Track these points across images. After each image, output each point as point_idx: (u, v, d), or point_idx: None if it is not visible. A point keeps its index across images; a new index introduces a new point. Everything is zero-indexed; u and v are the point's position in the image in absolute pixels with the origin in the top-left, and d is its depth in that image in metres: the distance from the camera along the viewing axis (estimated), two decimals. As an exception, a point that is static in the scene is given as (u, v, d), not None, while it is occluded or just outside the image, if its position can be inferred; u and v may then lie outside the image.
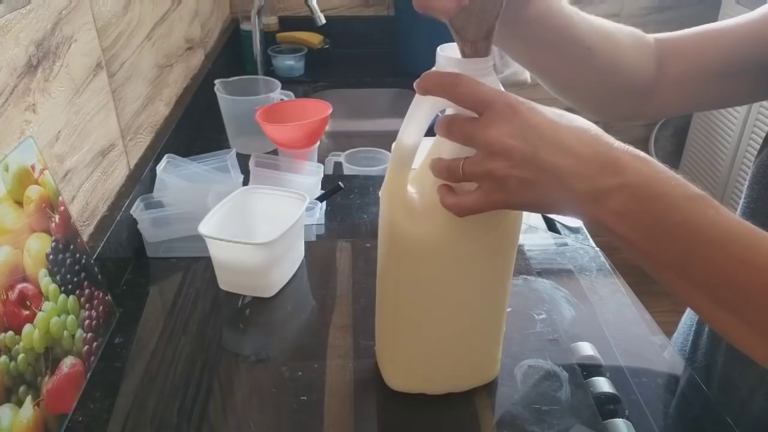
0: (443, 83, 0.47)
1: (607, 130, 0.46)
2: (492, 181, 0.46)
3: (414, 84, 0.49)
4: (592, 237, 0.96)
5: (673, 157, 2.66)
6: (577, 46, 0.58)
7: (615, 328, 0.76)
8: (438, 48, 0.51)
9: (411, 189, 0.56)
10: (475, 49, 0.48)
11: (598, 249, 0.93)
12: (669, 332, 0.77)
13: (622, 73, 0.62)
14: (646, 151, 2.78)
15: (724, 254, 0.41)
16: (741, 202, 0.66)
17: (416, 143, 0.53)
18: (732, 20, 0.61)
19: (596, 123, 0.46)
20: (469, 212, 0.49)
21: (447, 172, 0.50)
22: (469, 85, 0.46)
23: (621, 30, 0.62)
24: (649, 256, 0.44)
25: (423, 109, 0.52)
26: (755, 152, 2.04)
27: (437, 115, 0.54)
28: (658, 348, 0.75)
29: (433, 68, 0.51)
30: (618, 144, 0.44)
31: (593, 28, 0.59)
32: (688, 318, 0.81)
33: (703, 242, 0.41)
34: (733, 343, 0.44)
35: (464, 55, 0.49)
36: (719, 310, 0.42)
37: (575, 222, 0.99)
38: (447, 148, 0.52)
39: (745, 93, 0.64)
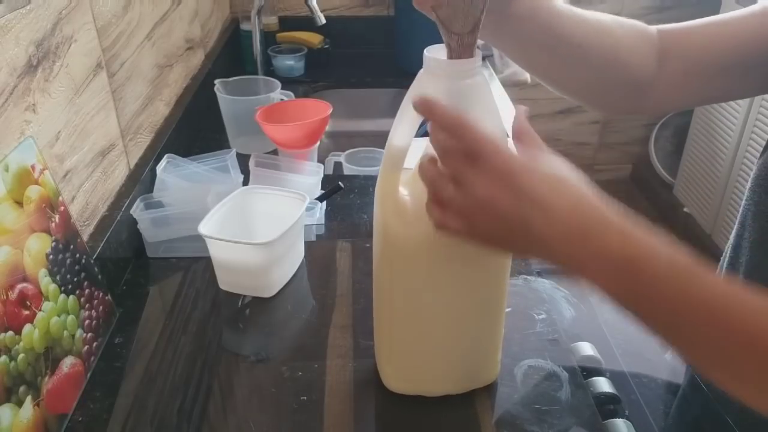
0: (447, 125, 0.47)
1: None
2: (475, 226, 0.47)
3: (414, 103, 0.49)
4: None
5: (673, 157, 2.65)
6: (568, 43, 0.58)
7: (615, 328, 0.76)
8: (425, 50, 0.51)
9: (403, 190, 0.56)
10: (461, 42, 0.48)
11: (598, 249, 0.93)
12: (669, 332, 0.77)
13: (618, 68, 0.62)
14: (646, 150, 2.76)
15: (709, 324, 0.42)
16: (743, 203, 0.66)
17: (407, 144, 0.53)
18: (735, 13, 0.61)
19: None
20: (448, 234, 0.49)
21: (431, 186, 0.49)
22: (470, 131, 0.46)
23: (621, 25, 0.62)
24: (636, 319, 0.45)
25: (413, 110, 0.52)
26: (755, 152, 2.04)
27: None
28: (658, 348, 0.75)
29: (421, 70, 0.51)
30: (607, 213, 0.45)
31: (587, 24, 0.59)
32: None
33: (687, 313, 0.42)
34: (732, 395, 0.45)
35: (450, 50, 0.49)
36: (711, 369, 0.44)
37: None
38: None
39: (749, 88, 0.63)
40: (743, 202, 0.66)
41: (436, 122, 0.48)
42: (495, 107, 0.52)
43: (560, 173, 0.46)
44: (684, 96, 0.65)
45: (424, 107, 0.48)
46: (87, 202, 0.80)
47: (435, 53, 0.50)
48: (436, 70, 0.50)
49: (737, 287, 0.43)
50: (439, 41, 0.51)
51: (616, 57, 0.61)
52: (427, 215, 0.50)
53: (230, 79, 1.24)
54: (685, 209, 2.49)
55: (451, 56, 0.50)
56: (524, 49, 0.61)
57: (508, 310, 0.64)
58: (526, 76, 1.87)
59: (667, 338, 0.44)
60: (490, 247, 0.49)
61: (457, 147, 0.47)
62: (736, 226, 0.67)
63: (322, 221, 0.98)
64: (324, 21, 1.40)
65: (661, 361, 0.73)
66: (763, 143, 2.14)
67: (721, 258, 0.71)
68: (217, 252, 0.79)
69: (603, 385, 0.67)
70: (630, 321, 0.46)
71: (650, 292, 0.42)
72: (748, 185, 0.65)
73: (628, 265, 0.43)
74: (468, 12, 0.48)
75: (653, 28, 0.64)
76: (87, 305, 0.69)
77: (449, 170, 0.48)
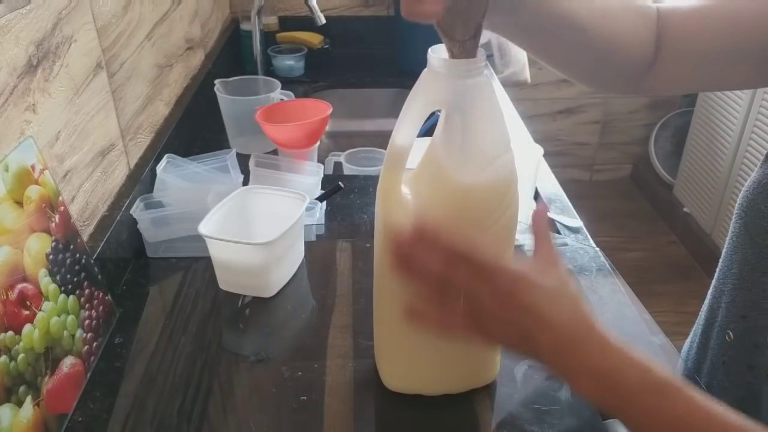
0: (461, 257, 0.50)
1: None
2: (479, 330, 0.51)
3: (418, 232, 0.51)
4: (592, 237, 0.96)
5: (673, 157, 2.66)
6: (574, 28, 0.58)
7: (615, 328, 0.76)
8: (429, 49, 0.51)
9: (405, 190, 0.56)
10: (463, 48, 0.48)
11: (598, 249, 0.93)
12: (669, 332, 0.77)
13: (618, 52, 0.61)
14: (647, 151, 2.76)
15: None
16: (728, 235, 0.66)
17: (409, 144, 0.53)
18: None
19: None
20: (449, 333, 0.53)
21: (438, 293, 0.52)
22: (477, 252, 0.49)
23: (623, 6, 0.61)
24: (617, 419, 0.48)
25: (416, 109, 0.52)
26: (755, 152, 2.04)
27: (433, 114, 0.54)
28: (658, 348, 0.75)
29: (425, 70, 0.51)
30: (593, 328, 0.49)
31: (591, 8, 0.59)
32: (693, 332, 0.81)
33: (658, 427, 0.45)
34: None
35: (452, 55, 0.49)
36: None
37: (575, 222, 0.99)
38: (443, 152, 0.52)
39: (747, 76, 0.62)
40: (729, 233, 0.66)
41: (444, 249, 0.50)
42: (498, 107, 0.52)
43: (560, 288, 0.50)
44: (681, 79, 0.64)
45: (431, 236, 0.50)
46: (87, 202, 0.80)
47: (439, 53, 0.50)
48: (441, 70, 0.50)
49: (707, 402, 0.45)
50: (440, 41, 0.51)
51: (616, 40, 0.60)
52: (434, 210, 0.52)
53: (230, 79, 1.24)
54: (685, 209, 2.49)
55: (453, 56, 0.49)
56: (533, 38, 0.60)
57: (508, 310, 0.63)
58: (526, 76, 1.87)
59: None
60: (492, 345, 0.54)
61: (466, 266, 0.50)
62: (722, 256, 0.68)
63: (322, 221, 0.98)
64: (324, 21, 1.40)
65: (661, 362, 0.73)
66: (764, 144, 2.14)
67: (710, 286, 0.72)
68: (217, 252, 0.79)
69: (603, 385, 0.67)
70: None
71: (625, 404, 0.46)
72: (734, 216, 0.65)
73: (605, 378, 0.47)
74: (468, 18, 0.47)
75: (653, 9, 0.62)
76: (87, 305, 0.69)
77: (455, 282, 0.51)
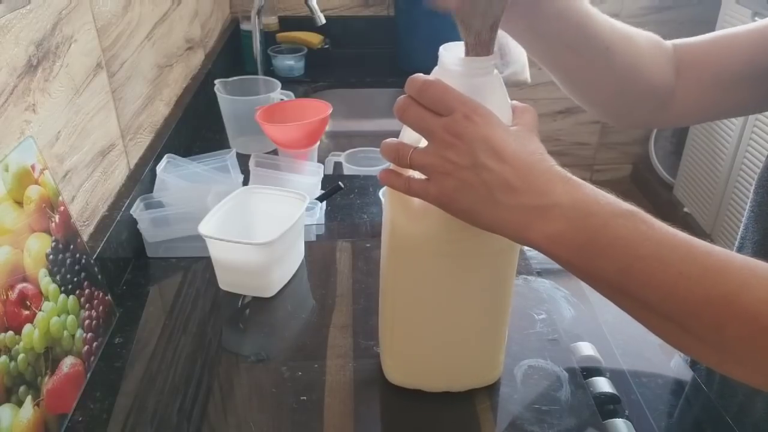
0: (415, 87, 0.48)
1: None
2: (434, 176, 0.48)
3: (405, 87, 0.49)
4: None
5: (673, 157, 2.66)
6: (596, 45, 0.58)
7: (615, 328, 0.77)
8: (441, 47, 0.51)
9: None
10: (479, 40, 0.48)
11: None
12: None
13: (641, 77, 0.61)
14: (647, 151, 2.76)
15: (660, 267, 0.41)
16: (747, 205, 0.66)
17: (416, 141, 0.53)
18: (749, 25, 0.61)
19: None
20: (414, 194, 0.50)
21: (395, 155, 0.50)
22: (437, 89, 0.47)
23: (640, 34, 0.62)
24: (587, 274, 0.45)
25: None
26: (755, 152, 2.04)
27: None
28: (658, 348, 0.75)
29: (437, 67, 0.51)
30: (556, 169, 0.45)
31: (614, 29, 0.59)
32: None
33: (637, 257, 0.42)
34: (685, 353, 0.44)
35: (467, 46, 0.49)
36: (664, 322, 0.43)
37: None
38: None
39: (764, 100, 0.63)
40: (748, 204, 0.66)
41: (409, 87, 0.48)
42: (508, 105, 0.52)
43: (519, 128, 0.47)
44: (701, 109, 0.64)
45: (406, 86, 0.48)
46: (87, 202, 0.80)
47: (451, 50, 0.51)
48: (452, 68, 0.50)
49: (678, 231, 0.42)
50: (439, 41, 0.51)
51: (639, 65, 0.61)
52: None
53: (230, 79, 1.24)
54: (685, 209, 2.49)
55: (468, 53, 0.49)
56: (553, 50, 0.60)
57: (508, 310, 0.64)
58: (526, 76, 1.87)
59: (617, 289, 0.43)
60: (449, 206, 0.49)
61: (425, 105, 0.47)
62: (741, 228, 0.68)
63: (322, 221, 0.98)
64: (324, 21, 1.40)
65: (661, 361, 0.73)
66: (764, 143, 2.15)
67: None
68: (217, 252, 0.79)
69: (603, 385, 0.67)
70: (581, 279, 0.45)
71: (599, 235, 0.43)
72: (753, 187, 0.65)
73: (575, 209, 0.43)
74: (487, 11, 0.47)
75: (668, 43, 0.63)
76: (87, 305, 0.69)
77: (413, 124, 0.48)
